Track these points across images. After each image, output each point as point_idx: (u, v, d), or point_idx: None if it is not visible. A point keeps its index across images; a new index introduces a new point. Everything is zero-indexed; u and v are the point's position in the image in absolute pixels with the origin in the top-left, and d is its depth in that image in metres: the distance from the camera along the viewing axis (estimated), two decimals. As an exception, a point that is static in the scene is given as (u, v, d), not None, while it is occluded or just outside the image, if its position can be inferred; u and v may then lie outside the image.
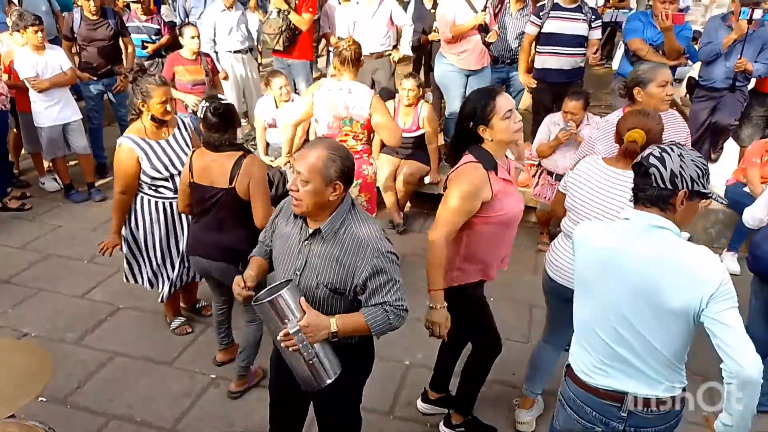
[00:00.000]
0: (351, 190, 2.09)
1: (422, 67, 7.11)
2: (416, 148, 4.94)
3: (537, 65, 5.16)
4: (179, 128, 3.31)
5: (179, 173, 3.15)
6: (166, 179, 3.22)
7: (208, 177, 2.84)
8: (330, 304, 2.03)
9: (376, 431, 2.97)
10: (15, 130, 5.44)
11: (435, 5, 5.85)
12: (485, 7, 4.99)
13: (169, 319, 3.71)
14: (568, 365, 2.02)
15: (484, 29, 5.05)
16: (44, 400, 3.08)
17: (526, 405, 3.04)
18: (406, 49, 5.92)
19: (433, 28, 6.02)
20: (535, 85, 5.27)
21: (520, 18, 5.41)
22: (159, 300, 3.54)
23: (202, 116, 2.79)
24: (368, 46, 5.63)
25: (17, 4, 6.07)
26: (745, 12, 4.43)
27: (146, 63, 5.79)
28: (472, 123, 2.34)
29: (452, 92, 5.32)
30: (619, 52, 6.23)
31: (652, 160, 1.74)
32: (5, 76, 5.01)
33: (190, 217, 3.19)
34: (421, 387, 3.19)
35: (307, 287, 2.01)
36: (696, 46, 5.11)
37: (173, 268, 3.42)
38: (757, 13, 4.44)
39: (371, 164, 3.81)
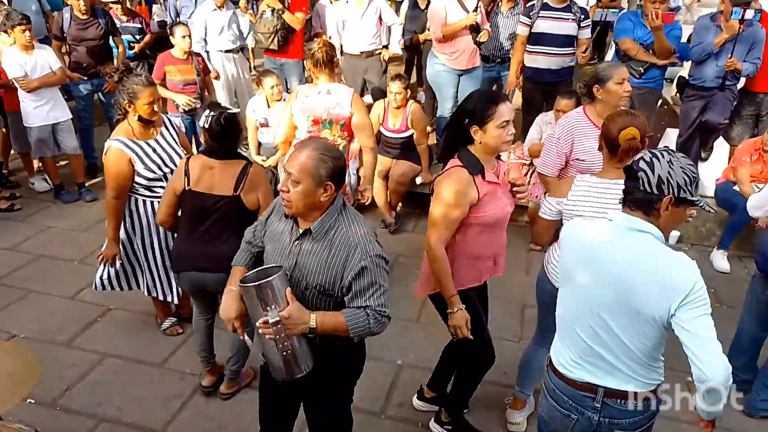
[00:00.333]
0: None
1: (414, 67, 7.11)
2: (407, 149, 4.93)
3: (527, 63, 5.17)
4: (166, 127, 3.29)
5: (172, 171, 3.13)
6: (160, 179, 3.20)
7: (207, 184, 2.76)
8: (318, 306, 2.02)
9: (368, 431, 2.96)
10: (3, 129, 5.39)
11: (429, 5, 5.85)
12: (476, 7, 5.00)
13: (160, 320, 3.68)
14: (550, 357, 2.08)
15: (475, 29, 5.05)
16: (33, 402, 3.06)
17: (517, 406, 3.05)
18: (395, 48, 5.93)
19: (426, 27, 6.02)
20: (522, 85, 5.28)
21: (511, 17, 5.44)
22: (171, 303, 3.53)
23: (206, 126, 2.74)
24: (358, 45, 5.65)
25: (6, 3, 6.01)
26: (737, 12, 4.46)
27: (132, 64, 5.76)
28: (468, 120, 2.35)
29: (444, 92, 5.32)
30: (611, 52, 6.26)
31: (641, 164, 1.76)
32: (-6, 76, 4.98)
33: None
34: (413, 387, 3.19)
35: (296, 288, 2.00)
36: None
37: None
38: (749, 13, 4.46)
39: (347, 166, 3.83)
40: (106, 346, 3.53)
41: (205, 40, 5.95)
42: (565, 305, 2.00)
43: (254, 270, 2.00)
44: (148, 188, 3.21)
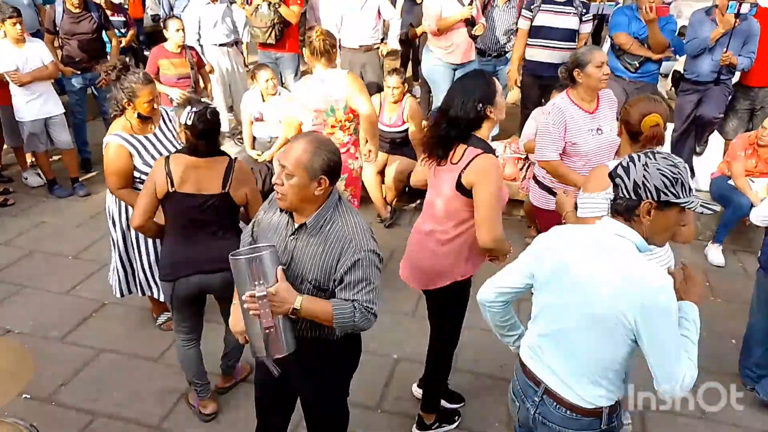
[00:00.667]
0: (337, 185, 2.07)
1: (410, 61, 7.10)
2: (403, 143, 4.93)
3: (527, 57, 5.16)
4: (164, 120, 3.26)
5: None
6: None
7: (194, 184, 2.61)
8: None
9: (364, 425, 2.96)
10: (-5, 124, 5.37)
11: (424, -1, 5.85)
12: (472, 0, 4.98)
13: (156, 314, 3.67)
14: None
15: (470, 23, 5.04)
16: (28, 397, 3.05)
17: None
18: (393, 42, 5.92)
19: (422, 21, 6.02)
20: (521, 79, 5.27)
21: (507, 10, 5.41)
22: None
23: (188, 122, 2.55)
24: (357, 39, 5.63)
25: (-2, -4, 5.97)
26: (733, 6, 4.46)
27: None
28: (482, 105, 2.38)
29: (440, 86, 5.30)
30: (606, 46, 6.25)
31: (618, 170, 1.69)
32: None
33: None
34: (409, 381, 3.19)
35: (292, 283, 1.98)
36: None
37: None
38: (745, 7, 4.46)
39: (357, 158, 3.80)
40: (101, 341, 3.52)
41: (199, 34, 5.92)
42: (537, 301, 1.92)
43: (247, 247, 2.00)
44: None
